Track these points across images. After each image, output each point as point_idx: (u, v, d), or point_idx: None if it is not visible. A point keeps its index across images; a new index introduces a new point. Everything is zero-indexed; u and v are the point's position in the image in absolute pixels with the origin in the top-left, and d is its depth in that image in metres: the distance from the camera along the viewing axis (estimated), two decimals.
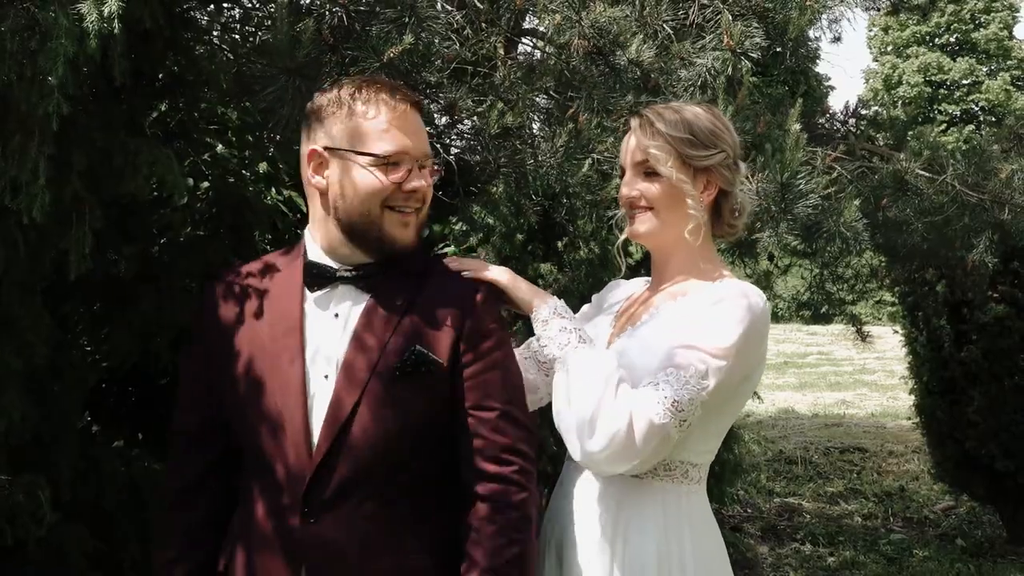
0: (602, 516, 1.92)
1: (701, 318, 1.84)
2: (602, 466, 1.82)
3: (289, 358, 1.83)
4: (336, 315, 1.85)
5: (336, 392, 1.80)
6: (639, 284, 2.16)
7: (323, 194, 1.84)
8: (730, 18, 2.62)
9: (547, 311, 1.88)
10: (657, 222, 1.96)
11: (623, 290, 2.19)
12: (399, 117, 1.82)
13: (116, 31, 1.71)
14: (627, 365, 1.86)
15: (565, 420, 1.82)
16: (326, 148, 1.82)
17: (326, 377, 1.82)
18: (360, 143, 1.80)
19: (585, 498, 1.97)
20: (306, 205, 1.97)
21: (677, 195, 1.93)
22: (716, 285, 1.93)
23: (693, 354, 1.79)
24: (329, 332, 1.84)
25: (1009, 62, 35.03)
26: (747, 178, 2.15)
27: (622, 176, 2.04)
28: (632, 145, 2.00)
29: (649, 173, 1.95)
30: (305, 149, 1.86)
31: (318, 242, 1.89)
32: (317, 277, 1.86)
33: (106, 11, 1.69)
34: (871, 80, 36.79)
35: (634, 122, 2.00)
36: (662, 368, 1.80)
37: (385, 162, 1.80)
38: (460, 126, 3.24)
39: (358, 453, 1.77)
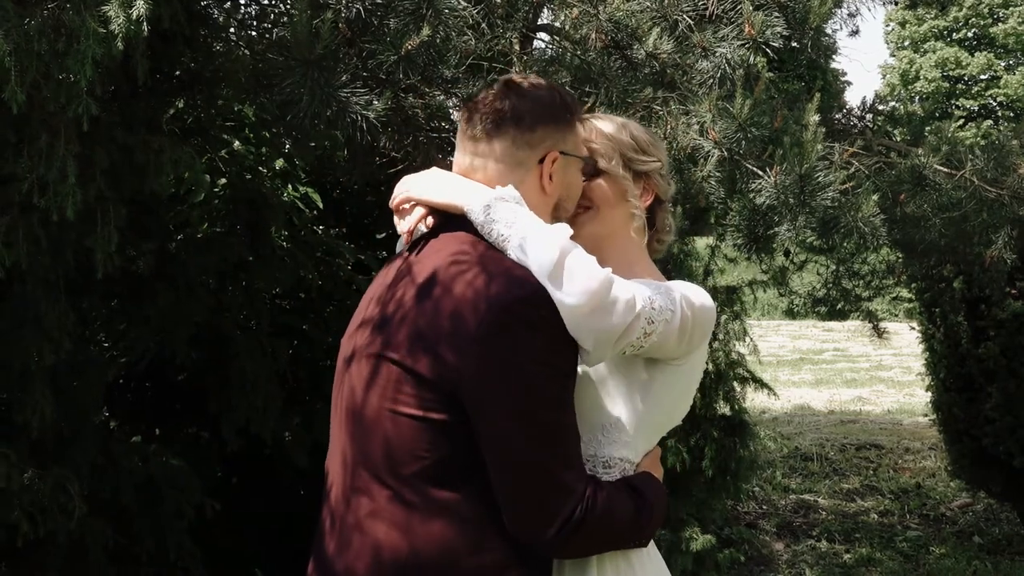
0: None
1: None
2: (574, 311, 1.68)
3: None
4: None
5: None
6: None
7: (544, 193, 1.85)
8: (750, 7, 2.61)
9: (488, 199, 1.75)
10: (596, 221, 1.97)
11: None
12: None
13: (144, 33, 1.73)
14: None
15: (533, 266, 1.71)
16: (562, 152, 1.85)
17: None
18: (581, 149, 1.90)
19: None
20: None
21: (619, 193, 1.96)
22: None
23: (667, 287, 1.80)
24: None
25: None
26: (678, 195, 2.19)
27: None
28: None
29: (596, 172, 1.97)
30: (537, 153, 1.82)
31: None
32: None
33: (134, 14, 1.70)
34: (888, 75, 36.62)
35: (577, 125, 2.00)
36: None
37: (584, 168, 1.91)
38: None
39: None
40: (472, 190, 1.79)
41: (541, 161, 1.82)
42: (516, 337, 1.61)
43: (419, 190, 1.85)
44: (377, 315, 1.79)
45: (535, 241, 1.71)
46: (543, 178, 1.83)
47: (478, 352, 1.60)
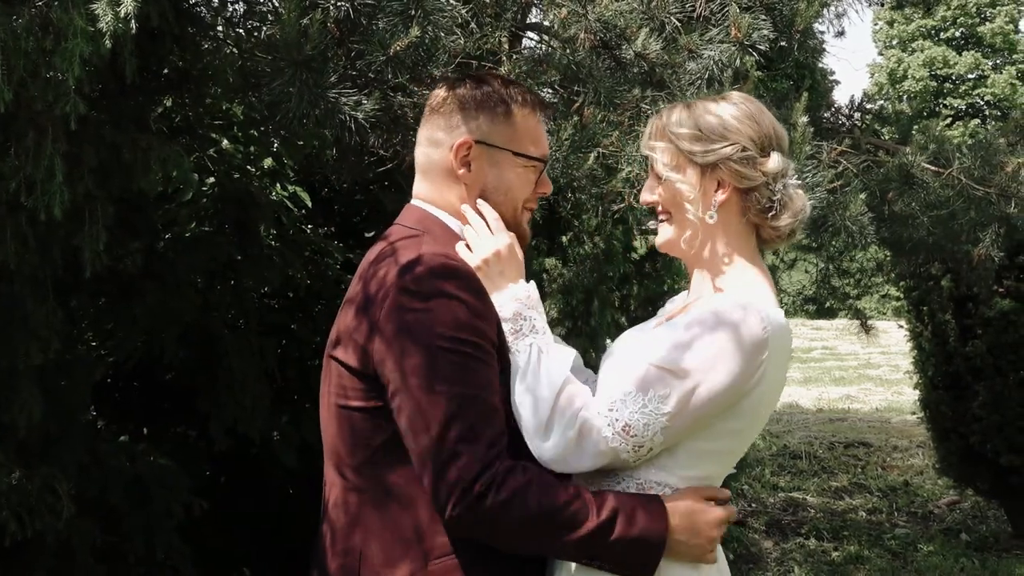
0: None
1: (680, 335, 1.69)
2: (552, 466, 1.68)
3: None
4: None
5: None
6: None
7: (467, 187, 1.82)
8: (738, 10, 2.62)
9: (506, 296, 1.74)
10: (672, 230, 1.83)
11: (678, 301, 2.05)
12: (542, 123, 1.89)
13: (132, 31, 1.73)
14: (617, 366, 1.79)
15: (522, 421, 1.70)
16: (479, 142, 1.81)
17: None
18: (518, 145, 1.83)
19: None
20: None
21: (679, 198, 1.79)
22: (714, 301, 1.75)
23: (658, 374, 1.66)
24: None
25: (1015, 56, 34.96)
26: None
27: None
28: None
29: (659, 176, 1.82)
30: (451, 138, 1.81)
31: None
32: None
33: (122, 12, 1.70)
34: (876, 74, 36.73)
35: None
36: (626, 385, 1.68)
37: (535, 165, 1.86)
38: None
39: None
40: (502, 292, 1.74)
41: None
42: (411, 312, 1.63)
43: (475, 252, 1.76)
44: (358, 292, 1.79)
45: (523, 383, 1.67)
46: (457, 166, 1.81)
47: (381, 333, 1.64)
